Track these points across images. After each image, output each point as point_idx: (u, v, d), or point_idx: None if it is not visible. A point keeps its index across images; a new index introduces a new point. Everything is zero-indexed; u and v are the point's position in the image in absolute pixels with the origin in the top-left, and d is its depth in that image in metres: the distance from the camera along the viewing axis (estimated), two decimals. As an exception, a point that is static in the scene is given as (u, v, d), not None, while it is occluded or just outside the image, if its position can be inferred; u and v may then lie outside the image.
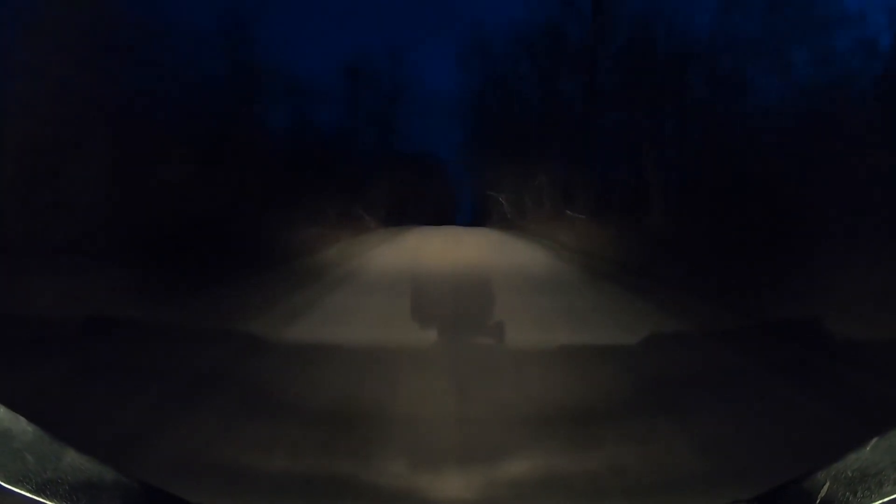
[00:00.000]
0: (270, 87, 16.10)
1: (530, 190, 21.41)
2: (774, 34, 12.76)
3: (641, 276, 8.50)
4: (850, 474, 1.25)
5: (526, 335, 4.68)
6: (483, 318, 5.47)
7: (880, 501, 1.14)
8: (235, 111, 13.33)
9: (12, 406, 1.36)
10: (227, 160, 10.87)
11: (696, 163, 13.58)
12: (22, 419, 1.31)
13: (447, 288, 7.43)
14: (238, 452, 2.46)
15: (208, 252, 7.37)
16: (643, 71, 14.88)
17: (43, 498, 1.13)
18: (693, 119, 14.55)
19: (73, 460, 1.29)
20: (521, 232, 19.05)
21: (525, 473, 2.35)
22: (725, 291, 6.23)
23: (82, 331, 4.21)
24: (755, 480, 1.63)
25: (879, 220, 7.30)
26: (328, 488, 2.22)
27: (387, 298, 6.29)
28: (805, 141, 10.07)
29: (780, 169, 9.99)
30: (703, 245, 9.30)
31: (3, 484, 1.10)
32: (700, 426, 2.73)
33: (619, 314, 5.76)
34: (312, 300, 6.09)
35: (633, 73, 15.97)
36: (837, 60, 11.60)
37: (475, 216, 27.47)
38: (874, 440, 1.30)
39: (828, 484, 1.26)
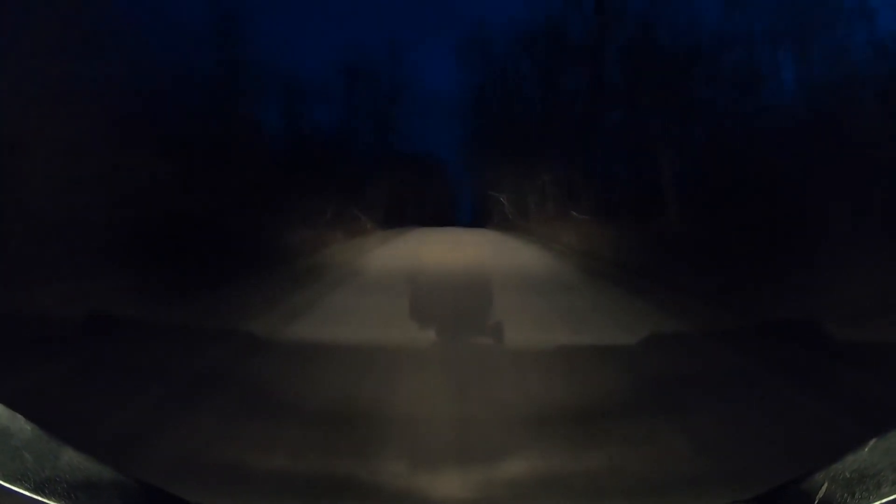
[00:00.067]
0: (267, 85, 16.01)
1: (532, 190, 21.20)
2: (781, 30, 12.59)
3: (643, 277, 8.46)
4: (849, 475, 1.25)
5: (526, 336, 4.68)
6: (483, 318, 5.44)
7: (878, 502, 1.14)
8: (231, 110, 13.23)
9: (11, 405, 1.36)
10: (223, 160, 10.79)
11: (700, 162, 13.41)
12: (20, 418, 1.31)
13: (447, 289, 7.39)
14: (237, 452, 2.46)
15: (202, 253, 7.34)
16: (647, 69, 14.71)
17: (41, 497, 1.13)
18: (697, 118, 14.42)
19: (72, 459, 1.29)
20: (523, 233, 18.78)
21: (524, 473, 2.35)
22: (732, 292, 6.19)
23: (82, 331, 4.21)
24: (754, 481, 1.63)
25: (885, 219, 7.30)
26: (328, 488, 2.22)
27: (386, 299, 6.26)
28: (810, 141, 9.99)
29: (784, 169, 9.95)
30: (709, 245, 9.25)
31: (1, 483, 1.10)
32: (699, 426, 2.73)
33: (619, 315, 5.74)
34: (312, 300, 6.09)
35: (636, 71, 15.77)
36: (847, 57, 11.38)
37: (475, 216, 27.31)
38: (872, 441, 1.30)
39: (826, 485, 1.26)
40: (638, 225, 12.96)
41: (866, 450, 1.29)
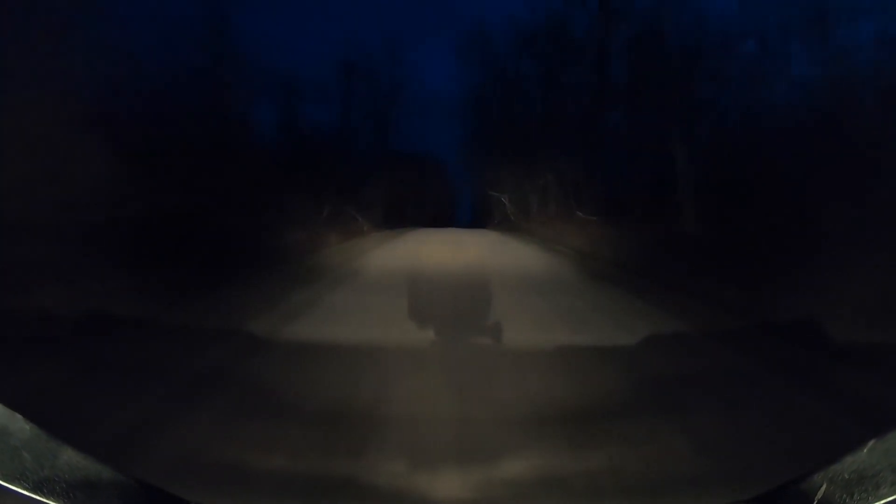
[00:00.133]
0: (263, 83, 15.74)
1: (533, 190, 20.93)
2: (790, 26, 12.21)
3: (643, 277, 8.39)
4: (848, 476, 1.26)
5: (526, 336, 4.68)
6: (484, 321, 5.39)
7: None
8: (226, 109, 12.97)
9: (11, 404, 1.36)
10: (215, 159, 10.56)
11: (707, 161, 13.08)
12: (19, 417, 1.31)
13: (446, 291, 7.28)
14: (237, 452, 2.46)
15: (188, 255, 7.18)
16: (651, 66, 14.58)
17: (40, 496, 1.13)
18: (703, 116, 14.21)
19: (70, 458, 1.29)
20: (525, 233, 18.40)
21: (524, 473, 2.35)
22: (738, 292, 6.15)
23: (82, 331, 4.21)
24: (754, 481, 1.64)
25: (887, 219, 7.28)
26: (327, 488, 2.22)
27: (385, 302, 6.17)
28: (816, 139, 9.91)
29: (791, 168, 9.89)
30: (718, 246, 9.17)
31: (0, 482, 1.11)
32: (699, 426, 2.73)
33: (620, 316, 5.69)
34: (311, 301, 6.09)
35: (640, 68, 15.63)
36: (858, 54, 10.92)
37: (475, 217, 27.13)
38: (871, 442, 1.31)
39: (825, 486, 1.26)
40: (643, 225, 12.77)
41: (865, 451, 1.30)
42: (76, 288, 5.01)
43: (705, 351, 4.39)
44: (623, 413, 2.99)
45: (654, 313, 5.76)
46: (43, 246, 5.23)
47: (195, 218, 8.35)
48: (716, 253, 8.85)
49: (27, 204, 5.54)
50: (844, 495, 1.21)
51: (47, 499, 1.13)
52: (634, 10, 16.74)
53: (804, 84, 11.98)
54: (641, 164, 16.56)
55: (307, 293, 6.57)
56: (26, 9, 6.28)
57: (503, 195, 23.21)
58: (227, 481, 2.20)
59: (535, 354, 4.10)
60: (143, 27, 9.66)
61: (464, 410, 3.03)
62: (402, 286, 7.40)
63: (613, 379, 3.60)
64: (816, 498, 1.25)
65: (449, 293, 7.20)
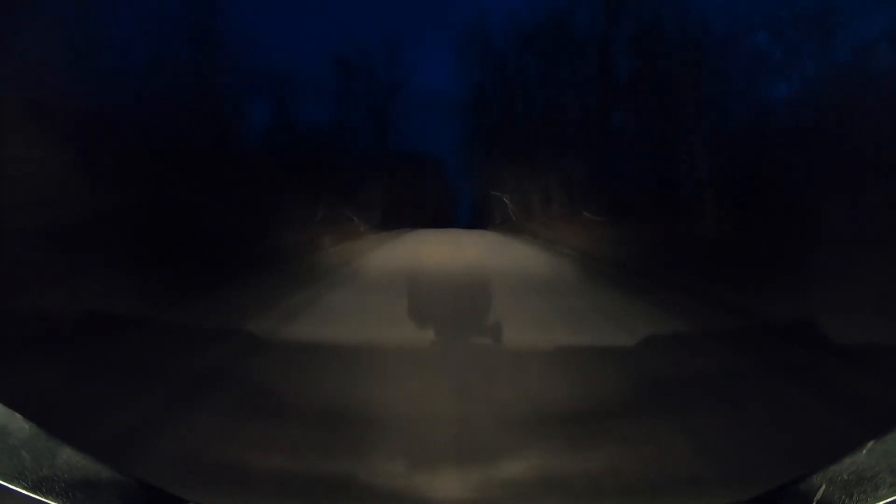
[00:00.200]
0: (258, 81, 15.45)
1: (535, 189, 20.56)
2: (797, 23, 11.96)
3: (644, 277, 8.31)
4: (846, 477, 1.26)
5: (529, 345, 4.67)
6: (485, 327, 5.10)
7: (876, 504, 1.14)
8: (219, 107, 12.76)
9: (10, 404, 1.36)
10: (208, 159, 10.35)
11: (714, 160, 12.85)
12: (18, 416, 1.32)
13: (447, 294, 7.05)
14: (236, 452, 2.47)
15: (187, 256, 7.04)
16: (655, 63, 14.38)
17: (38, 495, 1.13)
18: (709, 115, 13.89)
19: (70, 458, 1.30)
20: (528, 235, 17.88)
21: (524, 473, 2.35)
22: (747, 294, 6.03)
23: (82, 331, 4.22)
24: (754, 481, 1.63)
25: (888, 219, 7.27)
26: (327, 488, 2.22)
27: (383, 305, 6.00)
28: (821, 139, 9.81)
29: (796, 167, 9.81)
30: (727, 247, 9.02)
31: (-1, 481, 1.11)
32: (699, 427, 2.72)
33: (626, 319, 5.44)
34: (309, 301, 6.08)
35: (644, 65, 15.36)
36: (868, 50, 10.63)
37: (476, 217, 26.81)
38: (870, 443, 1.31)
39: (824, 486, 1.26)
40: (650, 226, 12.39)
41: (864, 452, 1.30)
42: (75, 287, 5.01)
43: (704, 350, 4.37)
44: (623, 413, 2.99)
45: (654, 314, 5.74)
46: (41, 246, 5.24)
47: (178, 218, 8.03)
48: (731, 255, 8.51)
49: (19, 204, 5.53)
50: (843, 496, 1.21)
51: (46, 498, 1.14)
52: (638, 4, 16.40)
53: (813, 80, 11.73)
54: (648, 163, 16.10)
55: (324, 286, 6.61)
56: (11, 5, 6.25)
57: (504, 195, 22.93)
58: (227, 481, 2.20)
59: (534, 353, 4.09)
60: (138, 25, 9.59)
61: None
62: (395, 297, 7.06)
63: (613, 378, 3.59)
64: (815, 499, 1.25)
65: (450, 294, 7.00)
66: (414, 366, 3.90)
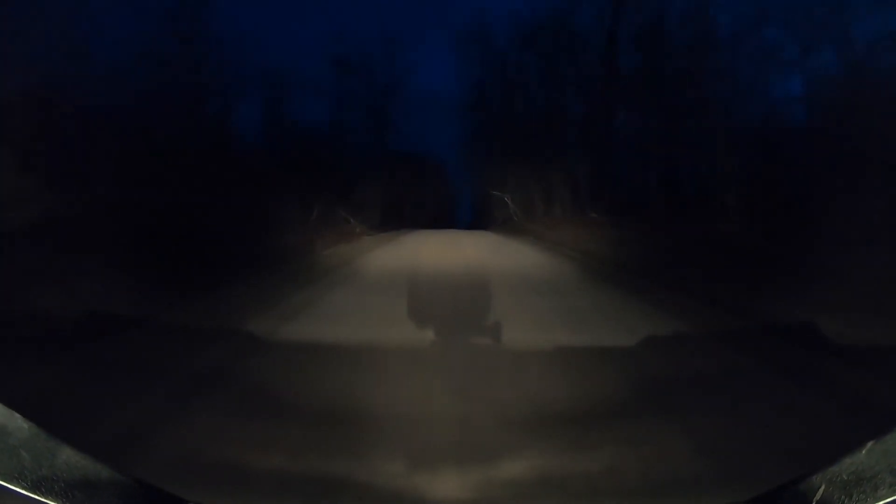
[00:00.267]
0: (252, 80, 15.19)
1: (538, 189, 20.16)
2: (803, 21, 11.63)
3: (645, 278, 8.25)
4: (846, 477, 1.26)
5: (527, 338, 4.66)
6: (486, 336, 4.80)
7: (875, 505, 1.14)
8: (212, 105, 12.60)
9: (11, 404, 1.36)
10: (199, 158, 10.09)
11: (723, 159, 12.57)
12: (17, 416, 1.32)
13: (447, 299, 6.73)
14: (236, 452, 2.47)
15: (178, 258, 6.88)
16: (660, 60, 14.14)
17: (38, 495, 1.13)
18: (715, 112, 13.54)
19: (69, 458, 1.30)
20: (532, 236, 17.24)
21: (523, 474, 2.35)
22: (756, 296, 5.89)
23: (82, 331, 4.22)
24: (754, 481, 1.63)
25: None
26: (327, 488, 2.22)
27: (381, 310, 5.80)
28: (825, 139, 9.72)
29: (801, 166, 9.72)
30: (737, 247, 8.84)
31: (-2, 481, 1.11)
32: (699, 427, 2.72)
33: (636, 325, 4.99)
34: (308, 301, 6.07)
35: (648, 62, 15.04)
36: (878, 46, 10.31)
37: (477, 218, 26.55)
38: (869, 444, 1.31)
39: (823, 487, 1.26)
40: (662, 227, 12.05)
41: (864, 452, 1.30)
42: (75, 287, 5.01)
43: (704, 350, 4.37)
44: (623, 413, 2.98)
45: (652, 314, 5.73)
46: (40, 246, 5.23)
47: (170, 219, 7.77)
48: (750, 257, 8.13)
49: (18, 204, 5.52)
50: (843, 496, 1.21)
51: (46, 498, 1.14)
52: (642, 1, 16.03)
53: (822, 79, 11.41)
54: (657, 162, 15.58)
55: (318, 290, 6.44)
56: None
57: (506, 195, 22.62)
58: (227, 481, 2.20)
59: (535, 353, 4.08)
60: (133, 24, 9.51)
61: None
62: (405, 284, 7.06)
63: (613, 378, 3.59)
64: (815, 499, 1.25)
65: (450, 299, 6.67)
66: (406, 378, 3.58)
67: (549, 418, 2.89)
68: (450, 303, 6.43)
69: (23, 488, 1.13)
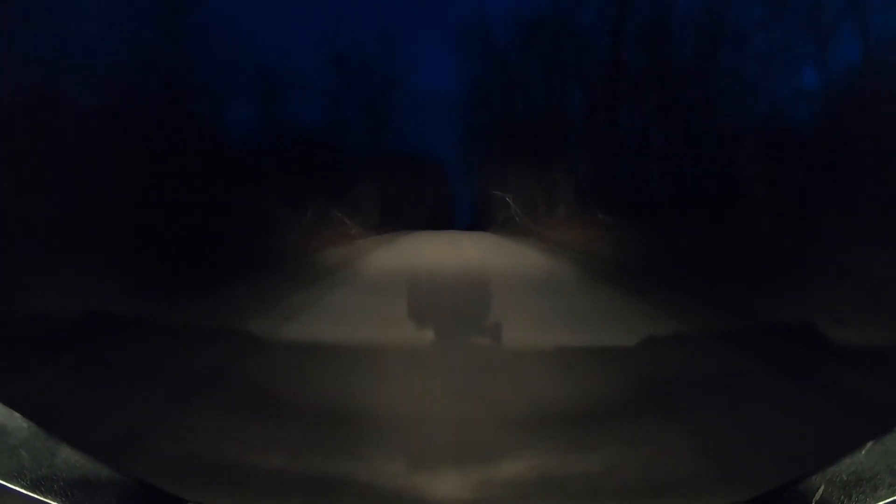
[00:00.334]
0: (245, 77, 14.90)
1: (540, 189, 19.74)
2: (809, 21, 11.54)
3: (649, 281, 8.17)
4: (845, 478, 1.26)
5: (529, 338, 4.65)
6: (487, 343, 4.60)
7: (874, 505, 1.14)
8: (209, 104, 12.42)
9: (10, 403, 1.37)
10: (192, 158, 9.88)
11: (731, 157, 12.38)
12: (17, 416, 1.32)
13: (446, 304, 6.42)
14: (236, 452, 2.47)
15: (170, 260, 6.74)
16: (665, 55, 13.89)
17: (37, 494, 1.13)
18: (717, 114, 13.46)
19: (69, 457, 1.30)
20: (535, 238, 16.81)
21: (523, 474, 2.35)
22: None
23: (81, 330, 4.22)
24: (754, 482, 1.63)
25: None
26: (327, 488, 2.22)
27: (379, 314, 5.64)
28: (828, 139, 9.64)
29: (805, 167, 9.64)
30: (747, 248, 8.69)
31: (-3, 480, 1.11)
32: (698, 427, 2.72)
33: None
34: (306, 303, 6.07)
35: (653, 58, 14.69)
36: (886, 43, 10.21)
37: (478, 219, 26.21)
38: (869, 444, 1.31)
39: (822, 487, 1.26)
40: (665, 228, 11.73)
41: (863, 453, 1.30)
42: (74, 287, 5.01)
43: (705, 350, 4.36)
44: (623, 413, 2.98)
45: (656, 316, 5.71)
46: (40, 246, 5.22)
47: (160, 220, 7.61)
48: (774, 259, 7.54)
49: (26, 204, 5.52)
50: (842, 497, 1.21)
51: (45, 497, 1.14)
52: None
53: (830, 78, 11.37)
54: (663, 160, 15.15)
55: (314, 293, 6.34)
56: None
57: (507, 195, 22.35)
58: (227, 481, 2.20)
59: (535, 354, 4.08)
60: (121, 21, 9.41)
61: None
62: (405, 286, 7.02)
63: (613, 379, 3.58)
64: (814, 499, 1.25)
65: (450, 304, 6.40)
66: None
67: (548, 418, 2.90)
68: (453, 293, 6.28)
69: (22, 487, 1.13)
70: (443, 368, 3.89)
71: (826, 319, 4.42)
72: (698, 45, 13.45)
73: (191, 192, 9.15)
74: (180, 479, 1.98)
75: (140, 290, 5.43)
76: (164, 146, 9.26)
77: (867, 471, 1.24)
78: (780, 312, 5.26)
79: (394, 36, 20.85)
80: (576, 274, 9.40)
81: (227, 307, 5.74)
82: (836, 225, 7.66)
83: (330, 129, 18.74)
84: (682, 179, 13.81)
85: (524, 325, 5.14)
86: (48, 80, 6.68)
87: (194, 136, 11.06)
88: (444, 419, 2.92)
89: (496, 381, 3.54)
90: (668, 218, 12.71)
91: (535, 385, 3.43)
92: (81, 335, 4.12)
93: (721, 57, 13.26)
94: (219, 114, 13.65)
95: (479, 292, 7.10)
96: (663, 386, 3.40)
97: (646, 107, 16.31)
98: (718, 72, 13.39)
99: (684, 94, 13.43)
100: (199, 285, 6.32)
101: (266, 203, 11.73)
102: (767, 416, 2.95)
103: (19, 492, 1.12)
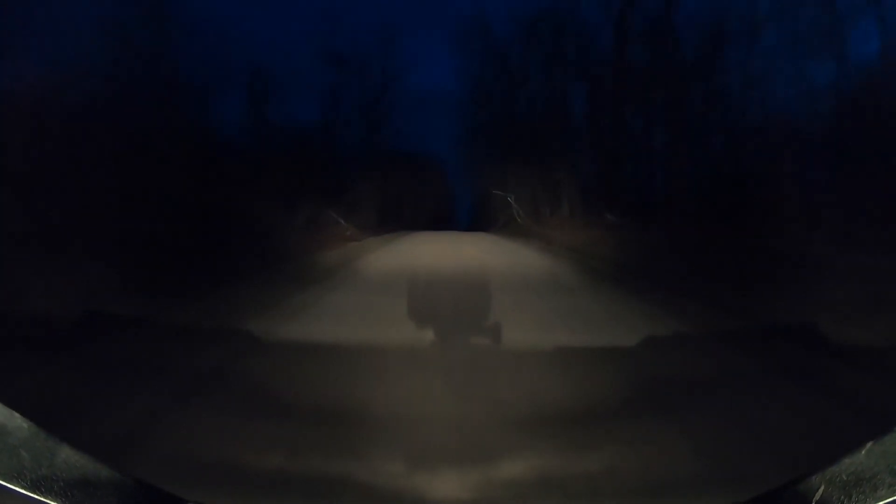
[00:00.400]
0: (239, 75, 14.66)
1: (541, 189, 19.43)
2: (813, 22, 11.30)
3: (653, 283, 8.08)
4: (845, 478, 1.26)
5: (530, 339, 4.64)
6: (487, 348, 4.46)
7: (874, 505, 1.14)
8: (197, 101, 12.18)
9: (10, 403, 1.37)
10: (185, 157, 9.75)
11: (737, 155, 12.35)
12: (17, 416, 1.32)
13: (446, 304, 6.36)
14: (236, 451, 2.47)
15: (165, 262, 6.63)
16: (668, 51, 13.72)
17: (37, 495, 1.13)
18: (723, 112, 13.32)
19: (69, 457, 1.30)
20: (538, 240, 16.46)
21: (523, 474, 2.35)
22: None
23: (81, 330, 4.22)
24: (753, 482, 1.63)
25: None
26: (326, 488, 2.22)
27: (379, 314, 5.57)
28: (829, 140, 9.60)
29: (810, 167, 9.59)
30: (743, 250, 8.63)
31: (-3, 480, 1.11)
32: (699, 427, 2.72)
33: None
34: (305, 303, 6.06)
35: (656, 55, 14.44)
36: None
37: (478, 219, 25.95)
38: (869, 444, 1.31)
39: (822, 487, 1.26)
40: (666, 227, 11.67)
41: (863, 453, 1.30)
42: (74, 287, 5.01)
43: (704, 350, 4.36)
44: (623, 413, 2.98)
45: (659, 317, 5.69)
46: (39, 246, 5.21)
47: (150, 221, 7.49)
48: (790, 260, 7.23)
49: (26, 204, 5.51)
50: (842, 497, 1.21)
51: (45, 497, 1.14)
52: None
53: (835, 79, 11.13)
54: (669, 159, 14.80)
55: (311, 295, 6.31)
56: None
57: (509, 195, 22.11)
58: (227, 481, 2.20)
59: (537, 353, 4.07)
60: (108, 16, 9.33)
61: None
62: (404, 288, 6.98)
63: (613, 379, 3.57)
64: (814, 499, 1.25)
65: (449, 308, 6.16)
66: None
67: (549, 418, 2.90)
68: (453, 297, 6.26)
69: (22, 487, 1.13)
70: (442, 368, 3.90)
71: (826, 319, 4.42)
72: (702, 41, 13.29)
73: (190, 192, 9.10)
74: (180, 479, 1.98)
75: (140, 290, 5.43)
76: (164, 146, 9.19)
77: (867, 471, 1.24)
78: (781, 312, 5.27)
79: (392, 33, 20.47)
80: (577, 274, 9.36)
81: (226, 307, 5.75)
82: (839, 225, 7.65)
83: (329, 129, 18.55)
84: (684, 179, 13.70)
85: (524, 325, 5.12)
86: (45, 78, 6.66)
87: (192, 136, 10.97)
88: (444, 419, 2.92)
89: (496, 381, 3.56)
90: (669, 218, 12.68)
91: (535, 385, 3.47)
92: (81, 335, 4.12)
93: (725, 54, 13.12)
94: (217, 114, 13.61)
95: (479, 293, 7.10)
96: (663, 386, 3.40)
97: (648, 106, 16.12)
98: (722, 70, 13.28)
99: (687, 93, 13.32)
100: (199, 285, 6.30)
101: (266, 203, 11.65)
102: (767, 416, 2.95)
103: (19, 492, 1.12)
